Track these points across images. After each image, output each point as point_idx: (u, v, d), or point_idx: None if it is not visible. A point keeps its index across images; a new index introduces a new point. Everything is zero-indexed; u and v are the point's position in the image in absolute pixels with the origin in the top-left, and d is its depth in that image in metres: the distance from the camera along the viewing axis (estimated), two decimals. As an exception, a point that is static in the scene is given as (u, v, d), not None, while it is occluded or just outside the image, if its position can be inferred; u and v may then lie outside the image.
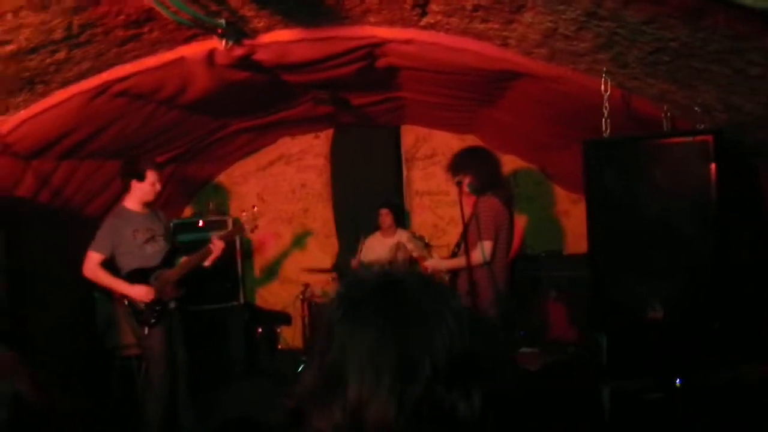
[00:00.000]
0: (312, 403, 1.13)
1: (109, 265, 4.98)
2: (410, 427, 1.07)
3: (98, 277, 4.91)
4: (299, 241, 8.44)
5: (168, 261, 5.16)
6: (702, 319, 3.64)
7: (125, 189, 5.11)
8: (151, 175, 5.04)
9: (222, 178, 8.47)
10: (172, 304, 5.10)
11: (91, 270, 4.90)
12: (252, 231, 6.03)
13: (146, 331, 4.92)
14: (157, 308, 4.96)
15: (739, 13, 2.54)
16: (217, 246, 5.30)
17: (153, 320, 4.94)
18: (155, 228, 5.15)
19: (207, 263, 5.31)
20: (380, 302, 1.17)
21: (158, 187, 5.11)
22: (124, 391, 6.18)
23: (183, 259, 5.28)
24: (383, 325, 1.13)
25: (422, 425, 1.08)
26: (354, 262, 7.00)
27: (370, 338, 1.12)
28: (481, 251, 4.74)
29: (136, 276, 4.95)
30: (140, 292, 4.90)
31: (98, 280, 4.94)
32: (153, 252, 5.08)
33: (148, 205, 5.15)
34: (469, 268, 4.70)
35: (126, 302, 4.93)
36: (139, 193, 5.06)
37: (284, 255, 8.45)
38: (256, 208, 6.10)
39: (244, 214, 6.05)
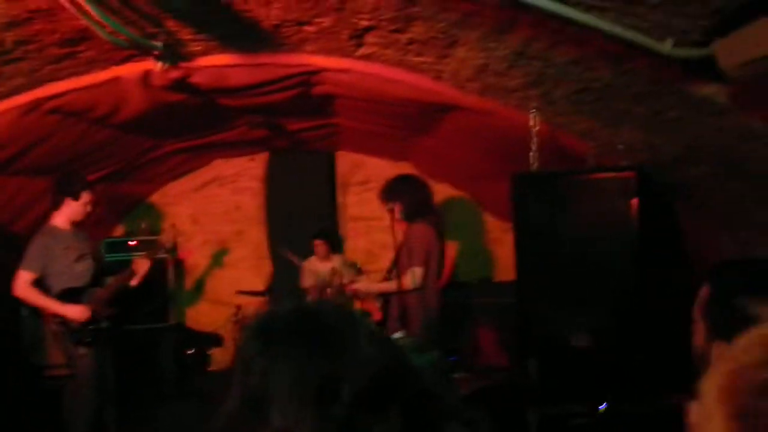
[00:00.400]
0: (237, 430, 1.16)
1: (38, 284, 4.86)
2: None
3: (30, 296, 4.78)
4: (231, 263, 8.38)
5: (97, 280, 5.08)
6: (627, 349, 3.77)
7: (55, 206, 4.99)
8: (85, 196, 4.94)
9: (155, 198, 8.36)
10: (104, 324, 5.01)
11: (23, 289, 4.76)
12: (169, 251, 5.97)
13: (81, 350, 4.82)
14: (91, 327, 4.87)
15: (658, 60, 2.68)
16: (140, 265, 5.22)
17: (88, 339, 4.84)
18: (83, 247, 5.05)
19: (134, 282, 5.23)
20: (297, 332, 1.21)
21: (89, 208, 5.02)
22: (50, 410, 6.02)
23: (110, 279, 5.20)
24: (303, 353, 1.17)
25: None
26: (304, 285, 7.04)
27: (291, 367, 1.15)
28: (412, 277, 4.79)
29: (68, 296, 4.85)
30: (76, 312, 4.79)
31: (30, 300, 4.81)
32: (83, 271, 4.98)
33: (76, 224, 5.05)
34: (401, 292, 4.76)
35: (59, 322, 4.83)
36: (70, 212, 4.95)
37: (216, 276, 8.37)
38: (174, 226, 6.11)
39: (163, 233, 6.00)
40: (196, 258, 8.20)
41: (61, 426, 5.10)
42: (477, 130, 5.01)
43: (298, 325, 1.23)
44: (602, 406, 3.77)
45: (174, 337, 7.44)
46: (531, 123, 4.00)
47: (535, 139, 4.00)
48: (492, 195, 7.21)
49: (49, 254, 4.82)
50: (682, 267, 4.44)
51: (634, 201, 3.70)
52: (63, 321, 4.80)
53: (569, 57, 3.04)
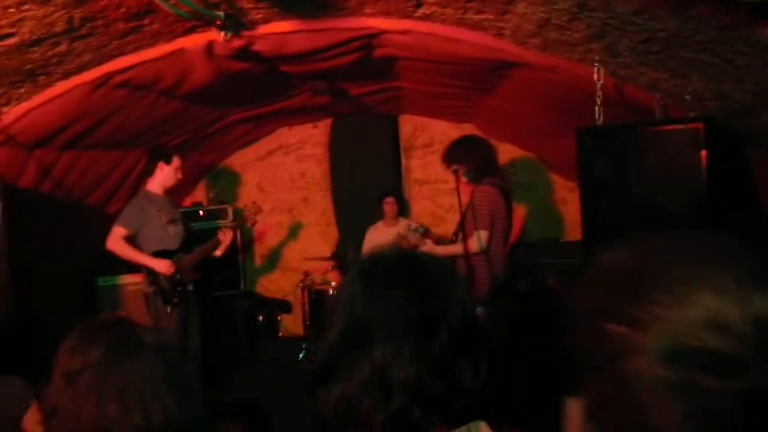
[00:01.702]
0: (338, 363, 1.24)
1: (131, 243, 5.11)
2: (427, 384, 1.19)
3: (122, 249, 5.04)
4: (298, 230, 8.50)
5: (185, 246, 5.28)
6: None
7: (149, 173, 5.28)
8: (176, 160, 5.25)
9: (222, 167, 8.52)
10: (191, 287, 5.21)
11: (116, 243, 5.03)
12: (252, 225, 6.35)
13: (169, 309, 5.02)
14: (179, 288, 5.07)
15: (725, 5, 2.60)
16: (226, 236, 5.44)
17: (176, 299, 5.06)
18: (174, 212, 5.31)
19: (218, 252, 5.46)
20: (400, 273, 1.30)
21: (180, 174, 5.32)
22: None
23: (197, 248, 5.43)
24: (405, 292, 1.25)
25: (437, 383, 1.20)
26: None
27: (394, 305, 1.24)
28: (477, 240, 4.78)
29: (159, 256, 5.10)
30: (163, 266, 5.04)
31: (122, 253, 5.07)
32: (174, 234, 5.24)
33: (167, 190, 5.28)
34: (466, 255, 4.76)
35: (151, 281, 5.04)
36: (163, 177, 5.24)
37: (284, 244, 8.52)
38: (255, 203, 6.39)
39: (245, 207, 6.27)
40: (265, 226, 8.33)
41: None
42: (540, 86, 4.95)
43: (399, 268, 1.31)
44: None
45: (244, 305, 7.60)
46: (595, 77, 3.92)
47: (600, 93, 3.93)
48: (557, 153, 7.11)
49: (144, 214, 5.10)
50: (754, 219, 4.33)
51: (704, 152, 3.60)
52: (154, 281, 5.03)
53: (632, 7, 2.97)
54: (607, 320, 0.86)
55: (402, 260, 1.35)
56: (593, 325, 0.89)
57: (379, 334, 1.22)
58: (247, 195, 8.37)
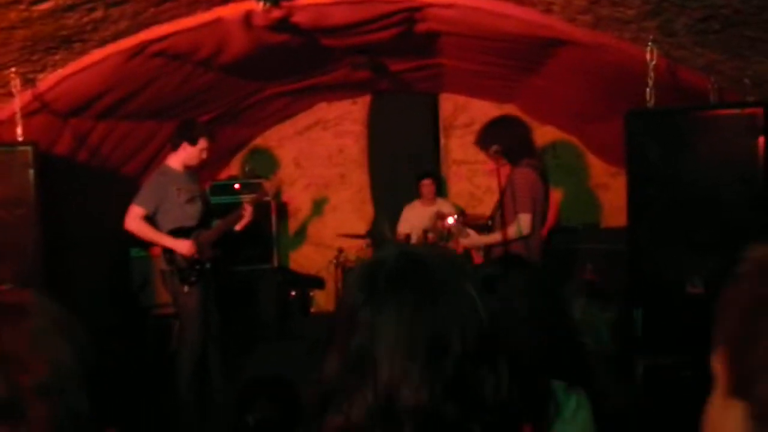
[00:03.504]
0: (340, 388, 1.10)
1: (149, 221, 5.05)
2: (442, 408, 1.04)
3: (141, 230, 4.97)
4: (334, 206, 8.43)
5: (204, 222, 5.21)
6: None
7: (174, 148, 5.18)
8: (202, 142, 5.11)
9: (259, 141, 8.46)
10: (208, 265, 5.15)
11: (134, 222, 4.96)
12: (273, 197, 6.31)
13: (186, 288, 4.98)
14: (197, 267, 5.02)
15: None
16: (248, 211, 5.35)
17: (193, 278, 5.00)
18: (194, 189, 5.22)
19: (238, 227, 5.36)
20: (405, 281, 1.12)
21: (204, 155, 5.19)
22: (158, 349, 6.26)
23: (217, 222, 5.34)
24: (411, 304, 1.09)
25: (454, 405, 1.05)
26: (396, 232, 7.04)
27: (399, 319, 1.08)
28: (517, 225, 4.65)
29: (177, 235, 5.03)
30: (183, 247, 4.96)
31: (141, 233, 5.00)
32: (193, 212, 5.15)
33: (188, 167, 5.20)
34: (506, 243, 4.63)
35: (167, 260, 5.00)
36: (185, 156, 5.12)
37: (319, 220, 8.46)
38: (279, 176, 6.34)
39: (267, 181, 6.22)
40: (300, 201, 8.28)
41: (168, 361, 5.30)
42: (588, 67, 4.79)
43: (404, 273, 1.14)
44: None
45: (277, 280, 7.57)
46: (648, 57, 3.75)
47: (651, 74, 3.76)
48: (601, 137, 6.95)
49: (162, 192, 5.01)
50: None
51: (761, 139, 3.44)
52: (171, 259, 4.96)
53: (694, -19, 2.82)
54: None
55: (407, 263, 1.16)
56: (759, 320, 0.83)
57: (384, 353, 1.06)
58: (284, 170, 8.32)
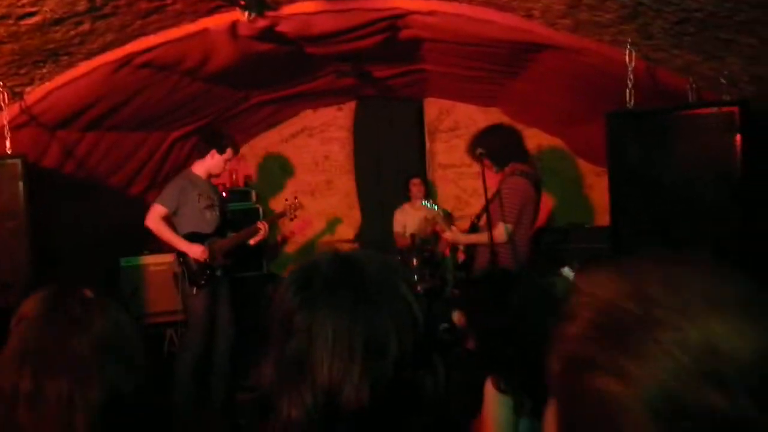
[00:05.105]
0: (279, 390, 1.11)
1: (167, 222, 5.17)
2: (383, 408, 1.06)
3: (159, 229, 5.08)
4: (321, 212, 8.46)
5: (220, 231, 5.31)
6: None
7: (200, 155, 5.31)
8: (229, 153, 5.28)
9: (245, 149, 8.47)
10: (219, 272, 5.22)
11: (154, 221, 5.07)
12: (291, 219, 6.39)
13: (194, 291, 5.04)
14: (207, 272, 5.09)
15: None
16: (264, 227, 5.53)
17: (202, 282, 5.09)
18: (214, 198, 5.31)
19: (252, 242, 5.50)
20: (341, 284, 1.14)
21: (228, 165, 5.39)
22: (149, 357, 6.28)
23: (232, 233, 5.50)
24: (347, 306, 1.11)
25: (394, 405, 1.07)
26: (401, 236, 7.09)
27: (336, 321, 1.09)
28: (505, 231, 4.70)
29: (193, 239, 5.13)
30: (197, 251, 5.06)
31: (159, 232, 5.10)
32: (211, 219, 5.25)
33: (211, 176, 5.28)
34: (491, 245, 4.68)
35: (180, 262, 5.08)
36: (212, 164, 5.27)
37: (306, 226, 8.48)
38: (297, 199, 6.40)
39: (286, 201, 6.37)
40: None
41: (162, 370, 5.33)
42: (569, 70, 4.85)
43: (340, 276, 1.16)
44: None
45: (268, 286, 7.59)
46: (626, 59, 3.82)
47: (631, 76, 3.83)
48: (585, 138, 7.01)
49: (184, 195, 5.13)
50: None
51: (738, 137, 3.50)
52: (183, 262, 5.07)
53: (668, -14, 2.88)
54: (593, 372, 0.74)
55: (342, 266, 1.17)
56: (577, 378, 0.76)
57: (323, 354, 1.07)
58: (270, 177, 8.35)
